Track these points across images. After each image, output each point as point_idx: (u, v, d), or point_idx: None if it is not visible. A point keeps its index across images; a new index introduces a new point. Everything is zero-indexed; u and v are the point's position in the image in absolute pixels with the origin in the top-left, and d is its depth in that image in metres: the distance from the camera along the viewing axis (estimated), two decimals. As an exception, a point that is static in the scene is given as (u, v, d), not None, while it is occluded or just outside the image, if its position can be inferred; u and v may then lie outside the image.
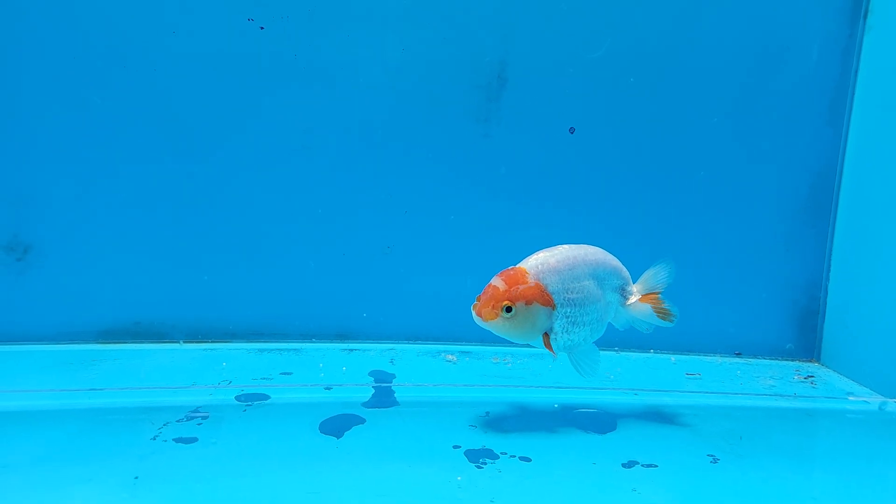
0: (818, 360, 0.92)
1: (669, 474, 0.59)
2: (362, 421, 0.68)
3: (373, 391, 0.76)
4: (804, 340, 0.93)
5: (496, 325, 0.62)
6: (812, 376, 0.87)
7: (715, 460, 0.62)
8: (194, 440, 0.62)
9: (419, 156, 0.89)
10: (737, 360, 0.91)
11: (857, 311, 0.86)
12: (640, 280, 0.70)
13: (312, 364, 0.84)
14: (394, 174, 0.89)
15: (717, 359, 0.91)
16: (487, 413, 0.70)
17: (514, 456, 0.61)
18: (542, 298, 0.63)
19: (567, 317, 0.64)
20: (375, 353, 0.88)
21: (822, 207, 0.91)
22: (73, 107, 0.84)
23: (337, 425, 0.66)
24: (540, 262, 0.64)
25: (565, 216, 0.90)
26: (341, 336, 0.92)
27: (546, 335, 0.64)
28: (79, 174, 0.86)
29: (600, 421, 0.70)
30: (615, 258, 0.69)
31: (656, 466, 0.60)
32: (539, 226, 0.90)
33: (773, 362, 0.92)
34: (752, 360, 0.91)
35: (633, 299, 0.69)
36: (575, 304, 0.64)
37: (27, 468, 0.56)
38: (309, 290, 0.91)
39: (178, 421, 0.66)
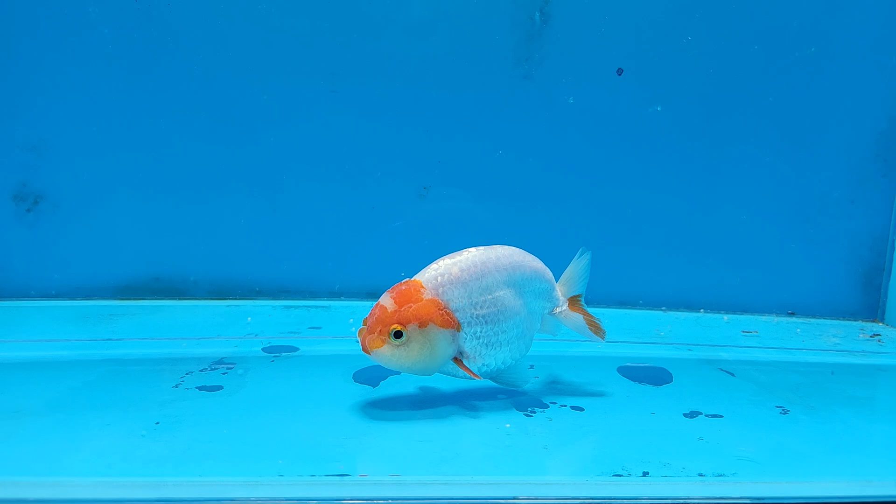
0: (882, 320, 0.86)
1: (737, 425, 0.53)
2: (397, 372, 0.63)
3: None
4: (867, 299, 0.87)
5: (383, 355, 0.50)
6: (878, 335, 0.81)
7: (784, 411, 0.56)
8: (219, 388, 0.58)
9: (453, 100, 0.83)
10: (794, 319, 0.85)
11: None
12: (560, 280, 0.59)
13: (342, 319, 0.80)
14: (425, 119, 0.84)
15: (773, 318, 0.85)
16: (532, 366, 0.65)
17: (565, 405, 0.56)
18: (441, 318, 0.50)
19: (478, 337, 0.52)
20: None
21: (890, 159, 0.84)
22: (92, 50, 0.80)
23: (372, 375, 0.62)
24: (440, 273, 0.52)
25: (609, 164, 0.85)
26: (372, 294, 0.87)
27: (458, 360, 0.52)
28: (95, 120, 0.82)
29: (653, 374, 0.64)
30: (535, 258, 0.57)
31: (721, 417, 0.54)
32: (582, 173, 0.84)
33: (835, 322, 0.85)
34: (811, 320, 0.85)
35: (562, 306, 0.58)
36: (487, 322, 0.52)
37: (41, 414, 0.52)
38: (338, 246, 0.86)
39: (201, 370, 0.62)
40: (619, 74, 0.83)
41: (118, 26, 0.80)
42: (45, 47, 0.80)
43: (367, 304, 0.85)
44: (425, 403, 0.55)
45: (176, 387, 0.58)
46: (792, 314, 0.87)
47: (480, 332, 0.52)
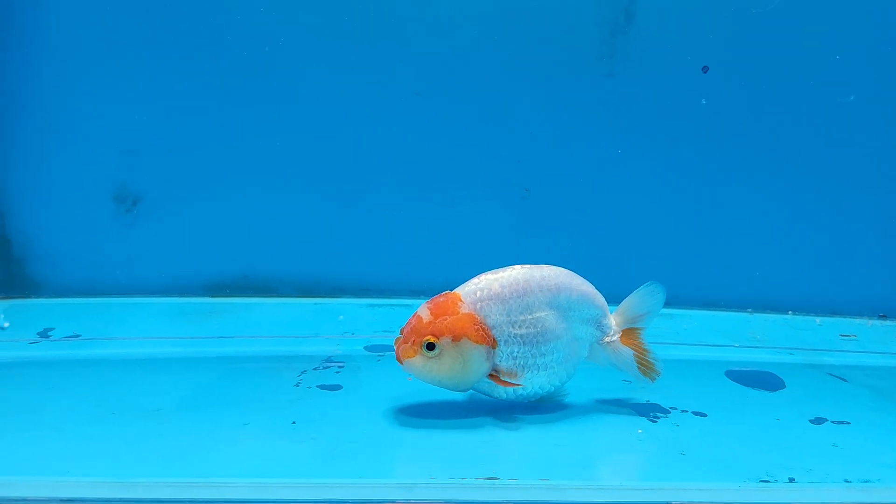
0: None
1: (866, 431, 0.53)
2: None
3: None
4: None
5: (415, 366, 0.49)
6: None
7: (909, 419, 0.56)
8: (338, 387, 0.59)
9: (535, 98, 0.83)
10: (887, 322, 0.84)
11: None
12: (618, 309, 0.55)
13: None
14: (507, 118, 0.83)
15: (867, 321, 0.84)
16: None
17: (686, 411, 0.56)
18: (476, 334, 0.49)
19: (514, 357, 0.50)
20: None
21: None
22: (187, 55, 0.81)
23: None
24: (479, 288, 0.50)
25: (691, 162, 0.84)
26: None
27: (494, 376, 0.51)
28: (186, 122, 0.83)
29: (764, 379, 0.64)
30: (585, 282, 0.54)
31: (849, 423, 0.54)
32: (667, 171, 0.84)
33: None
34: (907, 323, 0.84)
35: (612, 336, 0.54)
36: (525, 342, 0.50)
37: (179, 412, 0.53)
38: (419, 245, 0.87)
39: (314, 369, 0.63)
40: (705, 72, 0.82)
41: (202, 30, 0.81)
42: (137, 55, 0.81)
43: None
44: (546, 406, 0.56)
45: (297, 385, 0.59)
46: (884, 317, 0.86)
47: (518, 352, 0.50)
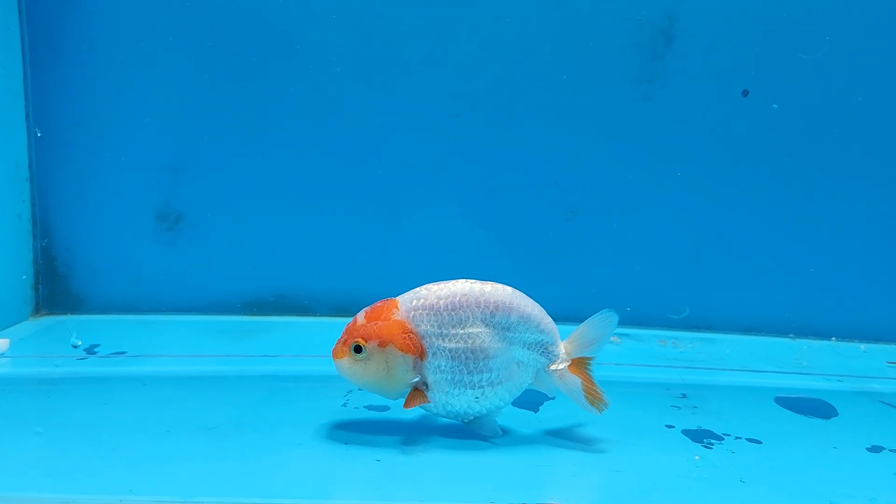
0: None
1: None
2: (551, 398, 0.63)
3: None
4: None
5: (343, 366, 0.50)
6: None
7: (972, 450, 0.55)
8: (385, 408, 0.59)
9: (572, 119, 0.83)
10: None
11: None
12: (569, 337, 0.53)
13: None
14: (545, 140, 0.84)
15: (911, 348, 0.83)
16: (685, 395, 0.65)
17: (740, 438, 0.55)
18: (403, 341, 0.48)
19: (442, 371, 0.49)
20: None
21: None
22: (231, 77, 0.83)
23: (526, 399, 0.61)
24: (418, 297, 0.50)
25: (733, 187, 0.84)
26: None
27: (418, 390, 0.50)
28: (231, 143, 0.84)
29: (815, 406, 0.63)
30: (535, 305, 0.52)
31: (908, 453, 0.53)
32: (705, 195, 0.83)
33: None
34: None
35: (559, 364, 0.52)
36: (454, 357, 0.49)
37: (233, 431, 0.53)
38: (454, 266, 0.87)
39: (359, 389, 0.62)
40: (745, 96, 0.82)
41: (246, 51, 0.82)
42: (182, 76, 0.83)
43: None
44: (588, 429, 0.55)
45: (344, 405, 0.59)
46: (927, 344, 0.84)
47: (446, 366, 0.49)
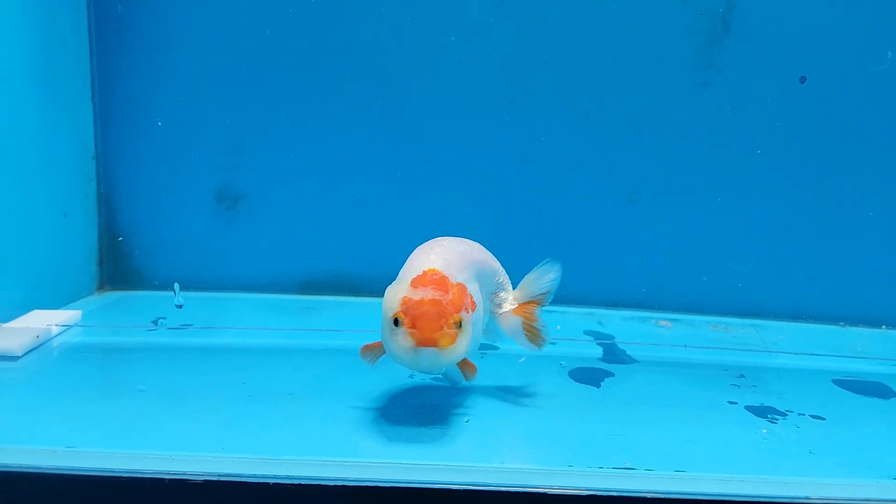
0: None
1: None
2: (611, 374, 0.64)
3: (601, 348, 0.72)
4: None
5: (451, 352, 0.45)
6: None
7: None
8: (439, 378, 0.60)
9: (628, 107, 0.84)
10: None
11: None
12: (519, 285, 0.57)
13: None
14: (602, 124, 0.85)
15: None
16: (742, 375, 0.66)
17: (803, 414, 0.56)
18: (473, 303, 0.48)
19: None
20: (576, 316, 0.85)
21: None
22: (292, 59, 0.84)
23: (587, 376, 0.63)
24: (446, 260, 0.49)
25: (788, 174, 0.84)
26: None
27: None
28: (288, 126, 0.86)
29: (872, 388, 0.64)
30: (493, 256, 0.56)
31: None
32: (760, 182, 0.84)
33: None
34: None
35: (506, 307, 0.55)
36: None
37: (313, 396, 0.56)
38: (510, 249, 0.88)
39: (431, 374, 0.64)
40: (803, 83, 0.82)
41: (307, 32, 0.83)
42: (243, 57, 0.85)
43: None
44: (659, 402, 0.57)
45: (411, 377, 0.61)
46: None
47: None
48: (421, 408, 0.54)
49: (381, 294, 0.87)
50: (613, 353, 0.71)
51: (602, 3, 0.82)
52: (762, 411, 0.56)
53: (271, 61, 0.85)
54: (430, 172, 0.87)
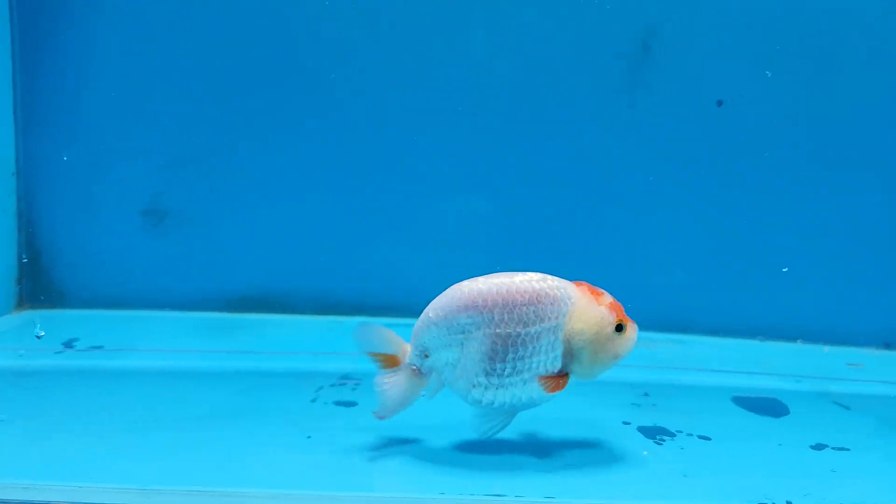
0: None
1: (866, 457, 0.54)
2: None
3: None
4: None
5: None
6: None
7: (912, 448, 0.57)
8: (353, 404, 0.61)
9: (557, 127, 0.85)
10: (892, 351, 0.85)
11: None
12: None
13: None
14: (528, 144, 0.86)
15: (873, 350, 0.85)
16: (647, 394, 0.67)
17: (692, 434, 0.57)
18: None
19: None
20: None
21: None
22: (218, 74, 0.84)
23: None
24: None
25: (708, 192, 0.85)
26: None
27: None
28: (218, 142, 0.86)
29: (769, 405, 0.65)
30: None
31: (848, 450, 0.55)
32: (682, 199, 0.85)
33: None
34: (913, 353, 0.85)
35: None
36: None
37: (201, 424, 0.55)
38: (440, 265, 0.89)
39: (331, 385, 0.65)
40: (719, 106, 0.84)
41: (231, 46, 0.83)
42: (169, 71, 0.84)
43: None
44: (558, 423, 0.57)
45: (313, 401, 0.61)
46: (887, 345, 0.86)
47: None
48: (310, 437, 0.54)
49: (311, 312, 0.90)
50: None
51: (530, 25, 0.83)
52: (653, 432, 0.57)
53: (199, 76, 0.84)
54: (357, 188, 0.87)
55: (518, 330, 0.48)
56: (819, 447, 0.56)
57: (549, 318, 0.48)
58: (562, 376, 0.50)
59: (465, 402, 0.51)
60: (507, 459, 0.51)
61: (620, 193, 0.86)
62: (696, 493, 0.47)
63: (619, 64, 0.84)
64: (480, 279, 0.50)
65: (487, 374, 0.49)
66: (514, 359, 0.48)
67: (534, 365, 0.49)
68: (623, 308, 0.51)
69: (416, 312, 0.88)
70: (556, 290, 0.49)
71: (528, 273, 0.50)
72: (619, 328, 0.50)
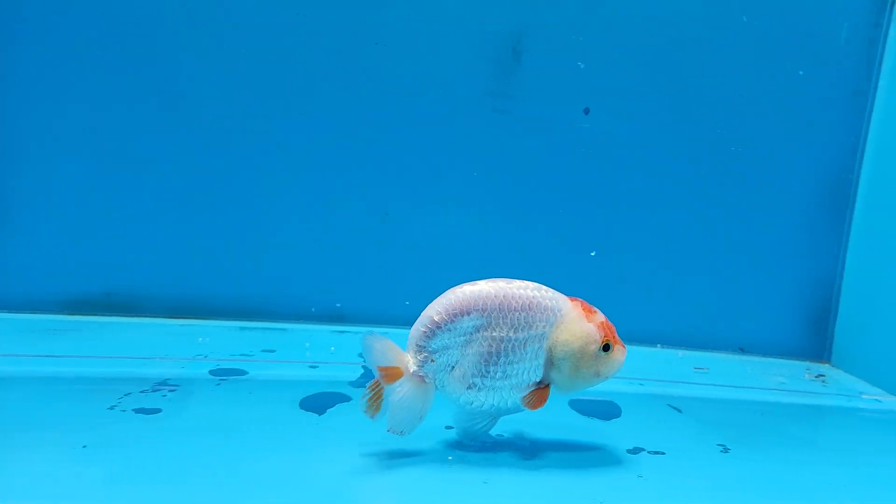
0: (829, 361, 0.88)
1: (677, 462, 0.54)
2: (348, 399, 0.62)
3: (363, 371, 0.70)
4: (816, 340, 0.88)
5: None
6: (823, 375, 0.83)
7: (725, 450, 0.57)
8: (157, 411, 0.56)
9: (419, 127, 0.84)
10: (746, 357, 0.87)
11: (871, 311, 0.82)
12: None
13: (298, 343, 0.79)
14: (391, 144, 0.84)
15: (727, 355, 0.86)
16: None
17: (512, 438, 0.56)
18: None
19: None
20: (325, 334, 0.83)
21: (840, 204, 0.87)
22: (49, 58, 0.79)
23: (320, 402, 0.61)
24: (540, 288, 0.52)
25: (574, 200, 0.86)
26: (333, 318, 0.86)
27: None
28: (55, 134, 0.80)
29: (604, 408, 0.64)
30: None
31: (663, 454, 0.55)
32: (549, 205, 0.85)
33: (783, 361, 0.87)
34: (762, 359, 0.87)
35: None
36: None
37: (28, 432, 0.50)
38: (298, 268, 0.85)
39: (142, 392, 0.60)
40: (586, 114, 0.84)
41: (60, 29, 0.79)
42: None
43: (327, 328, 0.86)
44: (369, 432, 0.55)
45: (112, 408, 0.56)
46: (742, 350, 0.88)
47: None
48: (86, 447, 0.49)
49: (159, 315, 0.85)
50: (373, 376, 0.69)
51: (400, 27, 0.81)
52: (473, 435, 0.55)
53: (33, 62, 0.79)
54: (211, 179, 0.83)
55: (510, 335, 0.49)
56: (636, 451, 0.55)
57: (537, 326, 0.49)
58: (542, 389, 0.50)
59: (456, 403, 0.50)
60: (301, 468, 0.47)
61: (481, 197, 0.85)
62: (485, 500, 0.45)
63: (489, 68, 0.83)
64: (480, 282, 0.50)
65: (482, 376, 0.49)
66: (504, 363, 0.49)
67: (519, 371, 0.49)
68: (615, 329, 0.51)
69: (266, 315, 0.86)
70: (547, 300, 0.50)
71: (524, 281, 0.51)
72: (606, 347, 0.50)
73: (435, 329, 0.49)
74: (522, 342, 0.49)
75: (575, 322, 0.50)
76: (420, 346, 0.50)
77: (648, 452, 0.55)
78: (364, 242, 0.84)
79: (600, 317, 0.51)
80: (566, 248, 0.86)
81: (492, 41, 0.83)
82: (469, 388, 0.49)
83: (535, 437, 0.56)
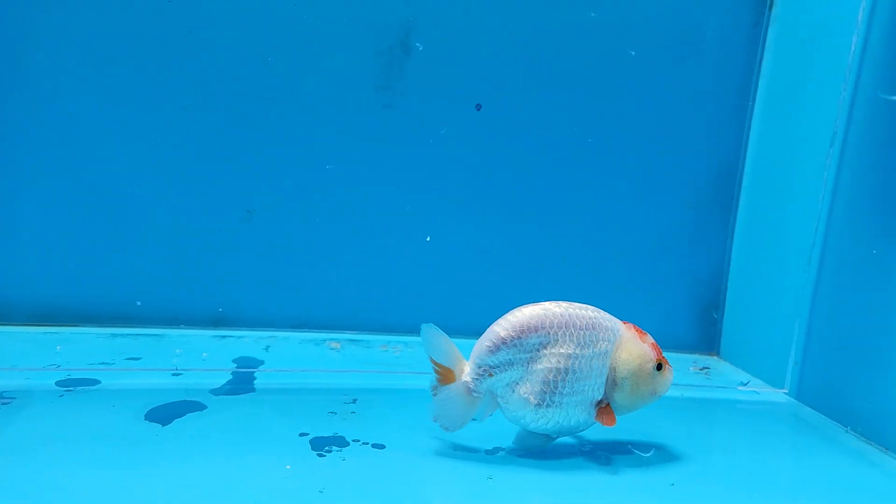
0: (717, 353, 0.88)
1: (529, 463, 0.52)
2: (202, 408, 0.58)
3: (230, 377, 0.67)
4: (705, 333, 0.89)
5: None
6: (707, 368, 0.83)
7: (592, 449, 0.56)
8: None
9: (306, 120, 0.80)
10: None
11: (755, 304, 0.83)
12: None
13: (170, 350, 0.74)
14: (280, 140, 0.80)
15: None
16: (355, 400, 0.62)
17: (367, 444, 0.53)
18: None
19: None
20: (251, 341, 0.79)
21: (726, 199, 0.88)
22: None
23: (168, 412, 0.57)
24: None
25: (465, 199, 0.84)
26: (216, 322, 0.82)
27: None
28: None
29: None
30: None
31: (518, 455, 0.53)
32: (434, 205, 0.83)
33: (673, 354, 0.86)
34: (650, 352, 0.86)
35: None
36: None
37: None
38: (174, 271, 0.81)
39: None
40: (478, 110, 0.83)
41: None
42: None
43: (208, 333, 0.82)
44: (212, 443, 0.51)
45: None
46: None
47: None
48: None
49: (21, 322, 0.78)
50: (239, 383, 0.66)
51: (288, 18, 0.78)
52: (326, 443, 0.53)
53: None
54: (87, 180, 0.77)
55: (577, 351, 0.50)
56: (494, 451, 0.53)
57: (601, 345, 0.51)
58: (606, 407, 0.52)
59: (517, 421, 0.51)
60: (131, 479, 0.44)
61: (369, 193, 0.82)
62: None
63: (378, 61, 0.80)
64: (537, 305, 0.51)
65: (551, 392, 0.50)
66: (573, 379, 0.50)
67: (586, 388, 0.50)
68: (662, 351, 0.53)
69: (144, 321, 0.81)
70: (607, 321, 0.52)
71: (573, 303, 0.52)
72: (659, 367, 0.52)
73: (500, 344, 0.50)
74: (588, 359, 0.50)
75: (632, 342, 0.52)
76: (482, 359, 0.51)
77: (506, 452, 0.53)
78: (234, 242, 0.80)
79: (650, 338, 0.53)
80: (463, 244, 0.84)
81: (381, 33, 0.80)
82: (537, 405, 0.49)
83: (391, 441, 0.54)
